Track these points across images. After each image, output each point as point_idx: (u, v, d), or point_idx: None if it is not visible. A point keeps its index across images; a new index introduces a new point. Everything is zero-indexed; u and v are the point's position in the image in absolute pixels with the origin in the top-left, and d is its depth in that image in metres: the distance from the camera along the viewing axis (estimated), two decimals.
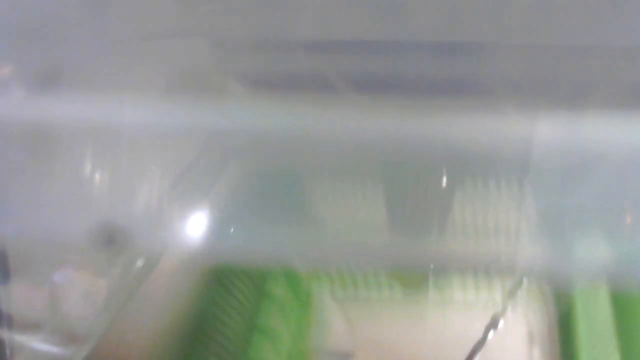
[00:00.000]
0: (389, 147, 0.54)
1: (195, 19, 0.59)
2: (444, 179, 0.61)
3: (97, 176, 0.61)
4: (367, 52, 0.58)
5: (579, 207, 0.57)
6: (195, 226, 0.64)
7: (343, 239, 0.63)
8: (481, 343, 0.85)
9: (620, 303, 0.81)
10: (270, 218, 0.63)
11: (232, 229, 0.64)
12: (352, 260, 0.64)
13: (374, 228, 0.65)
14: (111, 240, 0.58)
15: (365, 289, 0.98)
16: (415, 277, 0.84)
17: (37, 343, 0.87)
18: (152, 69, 0.60)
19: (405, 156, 0.55)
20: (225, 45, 0.60)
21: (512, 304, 0.80)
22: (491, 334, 0.84)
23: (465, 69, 0.56)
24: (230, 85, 0.61)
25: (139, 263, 0.84)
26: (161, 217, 0.63)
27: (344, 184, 0.65)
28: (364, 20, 0.56)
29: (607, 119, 0.51)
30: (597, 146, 0.51)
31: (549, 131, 0.51)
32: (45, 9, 0.57)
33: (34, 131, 0.56)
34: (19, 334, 0.86)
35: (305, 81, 0.60)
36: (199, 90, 0.58)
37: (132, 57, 0.59)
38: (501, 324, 0.83)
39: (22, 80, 0.57)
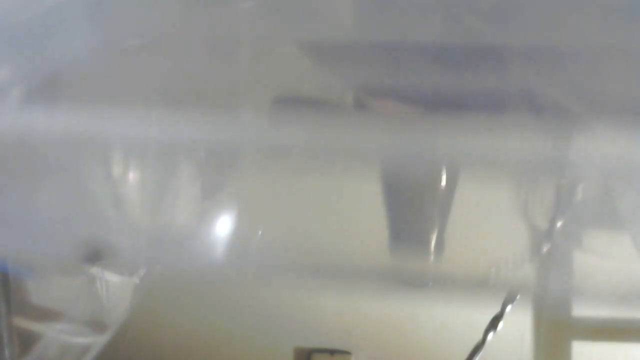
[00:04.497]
0: (395, 160, 0.54)
1: (195, 20, 0.58)
2: (448, 190, 0.61)
3: (86, 190, 0.61)
4: (376, 57, 0.58)
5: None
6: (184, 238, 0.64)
7: (342, 250, 0.63)
8: (480, 345, 0.85)
9: None
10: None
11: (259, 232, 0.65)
12: (350, 274, 0.64)
13: (373, 241, 0.65)
14: (97, 255, 0.58)
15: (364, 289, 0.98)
16: (415, 276, 0.84)
17: (59, 332, 0.88)
18: (152, 72, 0.59)
19: (410, 169, 0.55)
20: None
21: (511, 307, 0.80)
22: (490, 335, 0.84)
23: (488, 78, 0.56)
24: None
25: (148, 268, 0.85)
26: (149, 232, 0.63)
27: (343, 196, 0.65)
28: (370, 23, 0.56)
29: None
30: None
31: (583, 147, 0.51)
32: (44, 11, 0.57)
33: (25, 142, 0.56)
34: (42, 323, 0.87)
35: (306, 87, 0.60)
36: (200, 96, 0.58)
37: (132, 60, 0.58)
38: (500, 326, 0.83)
39: (19, 86, 0.57)
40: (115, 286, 0.89)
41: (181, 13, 0.58)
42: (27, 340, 0.88)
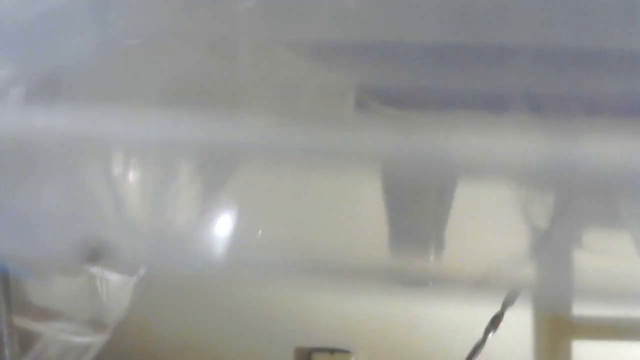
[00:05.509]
0: (395, 160, 0.54)
1: (195, 20, 0.58)
2: (448, 190, 0.61)
3: (86, 190, 0.61)
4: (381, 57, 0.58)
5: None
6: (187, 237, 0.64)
7: (342, 250, 0.63)
8: (480, 345, 0.85)
9: None
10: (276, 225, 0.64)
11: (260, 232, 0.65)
12: (350, 274, 0.65)
13: (373, 241, 0.65)
14: (97, 255, 0.58)
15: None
16: (415, 276, 0.84)
17: (58, 332, 0.88)
18: (152, 72, 0.59)
19: (409, 170, 0.55)
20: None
21: (511, 307, 0.80)
22: (490, 335, 0.84)
23: (487, 78, 0.56)
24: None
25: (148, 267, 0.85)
26: (149, 232, 0.63)
27: (343, 196, 0.65)
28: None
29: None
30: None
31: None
32: (44, 11, 0.57)
33: (25, 142, 0.56)
34: (42, 323, 0.87)
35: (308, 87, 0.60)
36: (200, 96, 0.58)
37: (132, 60, 0.59)
38: (500, 326, 0.83)
39: (21, 86, 0.57)
40: (115, 286, 0.89)
41: (181, 13, 0.58)
42: (27, 340, 0.88)
